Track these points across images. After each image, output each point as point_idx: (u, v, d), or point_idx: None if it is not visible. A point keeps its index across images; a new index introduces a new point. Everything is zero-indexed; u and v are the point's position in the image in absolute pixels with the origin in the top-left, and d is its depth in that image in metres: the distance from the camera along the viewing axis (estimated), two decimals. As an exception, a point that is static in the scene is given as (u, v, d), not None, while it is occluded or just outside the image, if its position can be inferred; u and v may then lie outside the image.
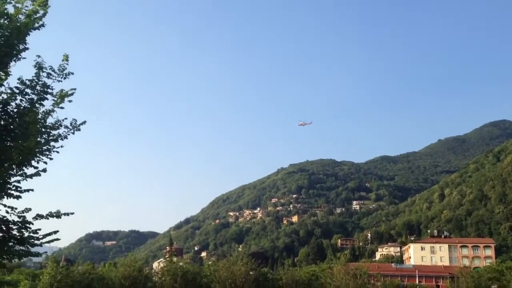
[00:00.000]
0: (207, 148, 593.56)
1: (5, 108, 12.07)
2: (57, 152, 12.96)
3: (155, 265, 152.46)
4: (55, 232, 13.24)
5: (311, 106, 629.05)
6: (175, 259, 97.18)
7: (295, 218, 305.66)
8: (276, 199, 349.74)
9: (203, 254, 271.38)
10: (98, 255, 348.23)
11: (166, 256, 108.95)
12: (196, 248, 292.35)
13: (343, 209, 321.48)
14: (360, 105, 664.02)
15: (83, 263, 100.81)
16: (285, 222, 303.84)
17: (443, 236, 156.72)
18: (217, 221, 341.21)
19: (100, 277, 60.61)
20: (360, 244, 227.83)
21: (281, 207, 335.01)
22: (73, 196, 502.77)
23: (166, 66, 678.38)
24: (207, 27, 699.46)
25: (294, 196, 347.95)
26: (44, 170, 12.39)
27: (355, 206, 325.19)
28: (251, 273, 64.20)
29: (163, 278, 63.45)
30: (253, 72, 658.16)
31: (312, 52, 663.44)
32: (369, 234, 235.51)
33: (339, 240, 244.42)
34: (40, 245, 13.36)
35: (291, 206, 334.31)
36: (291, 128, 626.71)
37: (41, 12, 11.88)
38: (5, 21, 11.65)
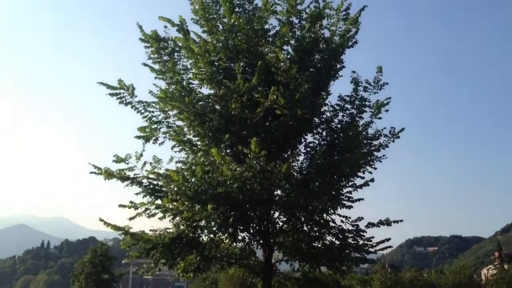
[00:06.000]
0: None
1: (329, 125, 12.90)
2: (380, 161, 13.21)
3: (483, 272, 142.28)
4: (387, 239, 13.43)
5: None
6: (506, 266, 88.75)
7: None
8: None
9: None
10: (420, 261, 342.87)
11: (496, 263, 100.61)
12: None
13: None
14: None
15: (408, 269, 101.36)
16: None
17: None
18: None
19: (429, 284, 59.85)
20: None
21: None
22: (393, 202, 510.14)
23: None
24: None
25: None
26: (372, 180, 12.65)
27: None
28: None
29: (495, 287, 58.74)
30: None
31: None
32: None
33: None
34: (375, 252, 13.77)
35: None
36: None
37: (353, 30, 12.46)
38: (323, 45, 12.62)
